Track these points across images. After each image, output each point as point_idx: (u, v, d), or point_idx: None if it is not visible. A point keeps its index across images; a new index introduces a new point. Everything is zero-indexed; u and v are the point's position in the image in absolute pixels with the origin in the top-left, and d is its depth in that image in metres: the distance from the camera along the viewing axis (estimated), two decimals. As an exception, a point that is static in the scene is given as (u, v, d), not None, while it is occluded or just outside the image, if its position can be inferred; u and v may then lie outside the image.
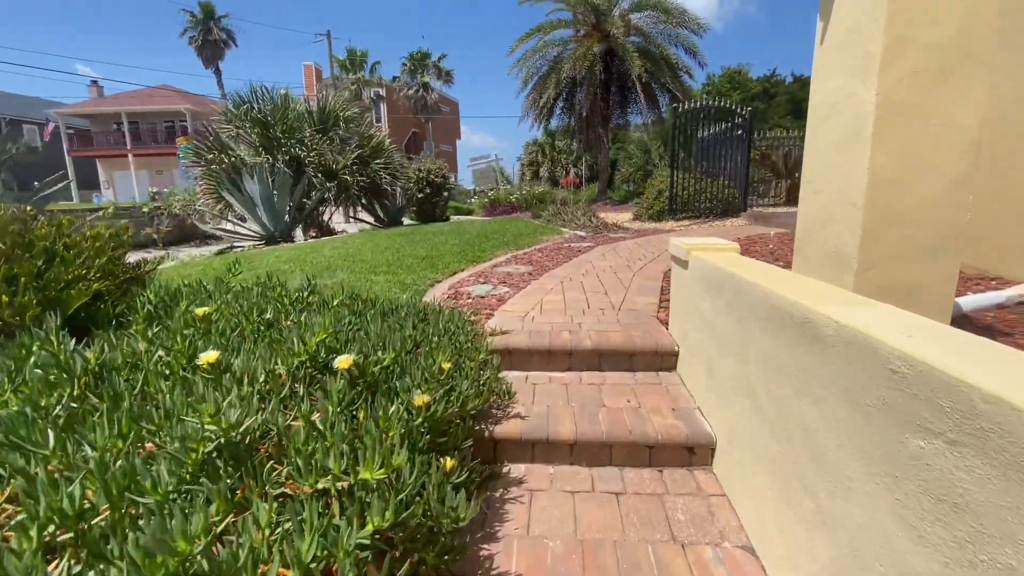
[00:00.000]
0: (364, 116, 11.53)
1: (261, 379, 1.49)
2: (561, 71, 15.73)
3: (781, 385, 1.48)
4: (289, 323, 2.04)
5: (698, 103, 9.20)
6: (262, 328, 1.97)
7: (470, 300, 3.70)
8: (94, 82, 39.98)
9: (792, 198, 13.85)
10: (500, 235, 7.73)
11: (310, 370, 1.68)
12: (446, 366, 1.93)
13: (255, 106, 9.74)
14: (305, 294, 2.43)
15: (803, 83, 32.80)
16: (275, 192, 9.09)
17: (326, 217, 11.07)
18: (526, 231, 8.36)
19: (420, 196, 15.02)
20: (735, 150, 9.92)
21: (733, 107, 9.54)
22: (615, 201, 18.57)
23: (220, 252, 8.98)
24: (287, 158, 9.58)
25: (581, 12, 16.23)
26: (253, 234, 9.48)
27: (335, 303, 2.36)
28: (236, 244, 9.39)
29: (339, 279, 4.22)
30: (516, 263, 5.26)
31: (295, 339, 1.71)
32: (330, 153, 9.90)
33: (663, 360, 2.70)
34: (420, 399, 1.62)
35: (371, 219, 12.89)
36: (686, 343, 2.57)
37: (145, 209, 16.37)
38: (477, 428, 2.08)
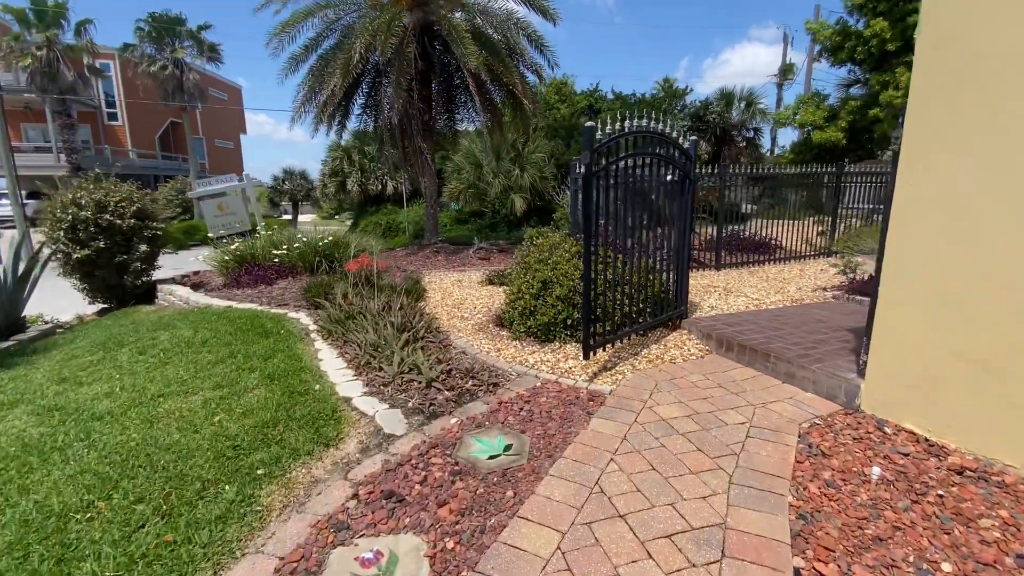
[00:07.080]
0: None
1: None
2: (353, 50, 9.85)
3: None
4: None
5: (626, 125, 4.48)
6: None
7: None
8: None
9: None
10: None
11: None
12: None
13: None
14: None
15: (624, 101, 32.24)
16: None
17: None
18: (244, 463, 2.58)
19: (85, 254, 7.69)
20: (668, 205, 5.57)
21: (672, 134, 5.08)
22: (448, 245, 13.34)
23: None
24: None
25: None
26: None
27: None
28: None
29: None
30: None
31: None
32: None
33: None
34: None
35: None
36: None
37: None
38: None
